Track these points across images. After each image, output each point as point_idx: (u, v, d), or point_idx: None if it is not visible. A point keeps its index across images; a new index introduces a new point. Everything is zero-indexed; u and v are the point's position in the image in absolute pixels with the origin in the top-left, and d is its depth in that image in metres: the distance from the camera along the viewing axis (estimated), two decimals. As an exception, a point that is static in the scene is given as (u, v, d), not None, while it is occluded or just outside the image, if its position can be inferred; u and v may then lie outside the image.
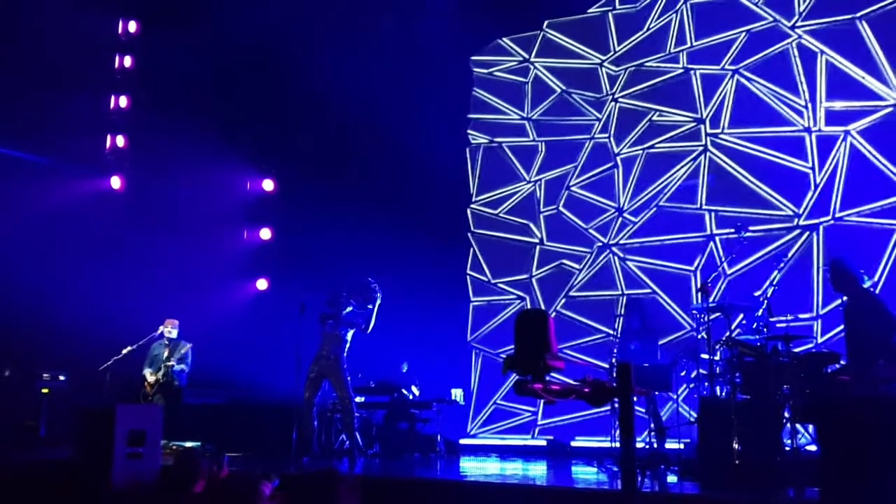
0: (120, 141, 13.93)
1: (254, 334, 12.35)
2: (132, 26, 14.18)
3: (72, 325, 11.20)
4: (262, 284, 13.81)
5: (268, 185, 14.09)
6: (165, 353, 10.57)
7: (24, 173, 12.40)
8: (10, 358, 11.32)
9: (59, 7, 12.55)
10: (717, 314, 8.31)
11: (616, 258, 11.73)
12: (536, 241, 12.33)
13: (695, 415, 8.14)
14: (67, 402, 10.84)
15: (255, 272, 13.87)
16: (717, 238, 10.94)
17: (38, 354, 11.37)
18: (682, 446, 8.16)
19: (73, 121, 12.91)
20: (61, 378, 11.20)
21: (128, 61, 14.12)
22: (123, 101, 14.02)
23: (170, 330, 10.68)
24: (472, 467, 9.26)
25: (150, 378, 10.48)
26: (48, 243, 12.07)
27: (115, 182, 13.58)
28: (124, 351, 10.39)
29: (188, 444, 9.54)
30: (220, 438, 9.93)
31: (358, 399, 10.44)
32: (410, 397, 11.23)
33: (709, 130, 11.28)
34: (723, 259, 10.50)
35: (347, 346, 9.30)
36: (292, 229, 13.53)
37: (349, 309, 9.41)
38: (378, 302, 9.40)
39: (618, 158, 11.98)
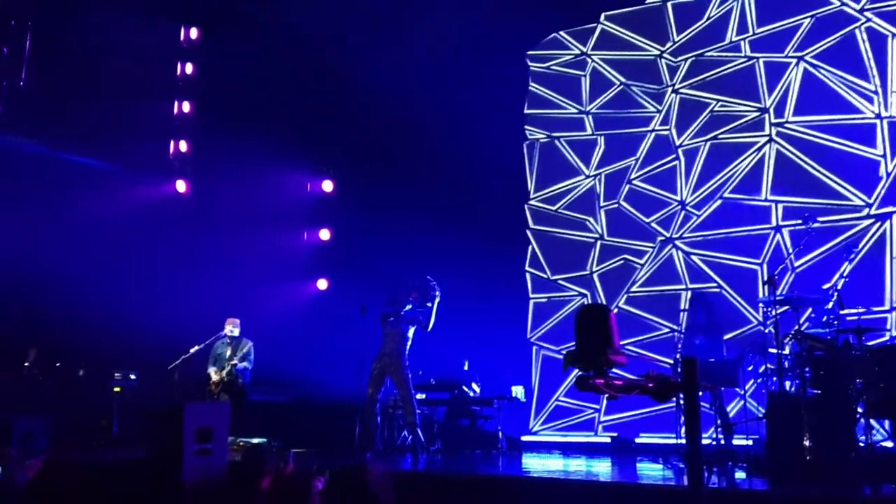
0: (183, 146, 14.23)
1: (315, 333, 12.51)
2: (193, 33, 14.48)
3: (141, 326, 11.48)
4: (322, 284, 13.98)
5: (327, 186, 14.26)
6: (228, 352, 10.78)
7: (94, 179, 12.75)
8: (83, 359, 11.66)
9: (122, 17, 12.91)
10: (785, 308, 8.14)
11: (679, 252, 11.57)
12: (597, 236, 12.24)
13: (763, 410, 7.98)
14: (138, 401, 11.11)
15: (315, 272, 14.03)
16: (783, 230, 10.72)
17: (110, 355, 11.69)
18: (750, 443, 8.02)
19: (139, 127, 13.23)
20: (132, 377, 11.50)
21: (189, 68, 14.42)
22: (186, 107, 14.32)
23: (231, 329, 10.89)
24: (535, 464, 9.25)
25: (215, 377, 10.69)
26: (118, 247, 12.40)
27: (181, 186, 13.88)
28: (192, 350, 10.63)
29: (255, 441, 9.71)
30: (284, 435, 10.17)
31: (419, 396, 10.50)
32: (471, 394, 11.25)
33: (773, 120, 11.05)
34: (790, 251, 10.28)
35: (409, 343, 9.38)
36: (351, 229, 13.67)
37: (409, 307, 9.48)
38: (437, 300, 9.45)
39: (679, 151, 11.82)
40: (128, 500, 5.80)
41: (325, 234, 14.19)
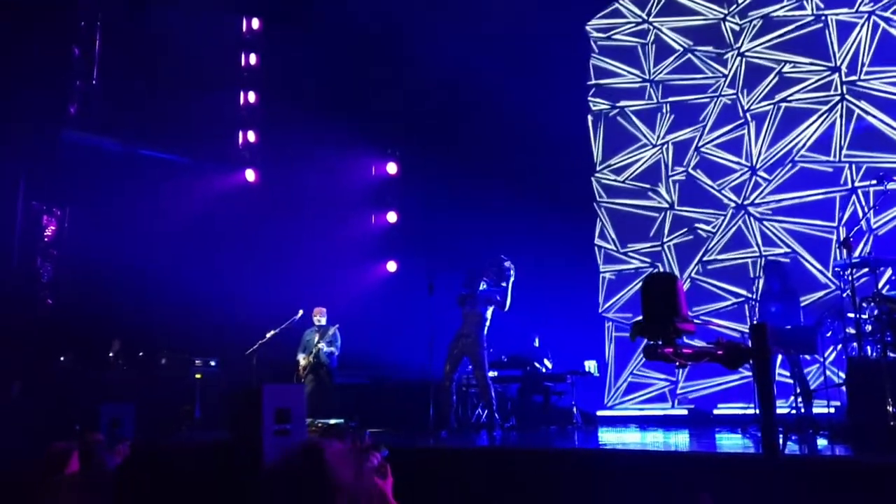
0: (251, 136, 14.47)
1: (387, 315, 12.67)
2: (255, 23, 14.69)
3: (219, 314, 11.81)
4: (391, 266, 14.11)
5: (391, 168, 14.35)
6: (316, 338, 11.05)
7: (166, 173, 13.08)
8: (165, 347, 12.01)
9: (186, 11, 13.17)
10: (864, 270, 7.92)
11: (752, 219, 11.36)
12: (666, 206, 12.10)
13: (843, 376, 7.81)
14: (219, 386, 11.43)
15: (384, 255, 14.16)
16: (859, 191, 10.41)
17: (191, 343, 12.02)
18: (831, 410, 7.85)
19: (207, 119, 13.50)
20: (212, 364, 11.81)
21: (253, 58, 14.65)
22: (252, 97, 14.55)
23: (319, 318, 11.16)
24: (611, 437, 9.23)
25: (303, 362, 10.98)
26: (193, 238, 12.70)
27: (250, 175, 14.14)
28: (268, 335, 10.88)
29: (332, 422, 9.93)
30: (362, 415, 10.37)
31: (491, 374, 10.59)
32: (543, 370, 11.25)
33: (844, 78, 10.71)
34: (866, 212, 9.98)
35: (487, 324, 9.39)
36: (417, 210, 13.76)
37: (483, 286, 9.49)
38: (512, 278, 9.46)
39: (747, 115, 11.57)
40: (212, 481, 6.01)
41: (392, 217, 14.30)
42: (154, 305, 11.87)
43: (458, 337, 9.36)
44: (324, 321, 11.15)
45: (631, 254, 12.30)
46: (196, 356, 11.79)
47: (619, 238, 12.41)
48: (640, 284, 11.42)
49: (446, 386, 9.24)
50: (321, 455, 3.33)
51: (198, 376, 11.53)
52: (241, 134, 14.48)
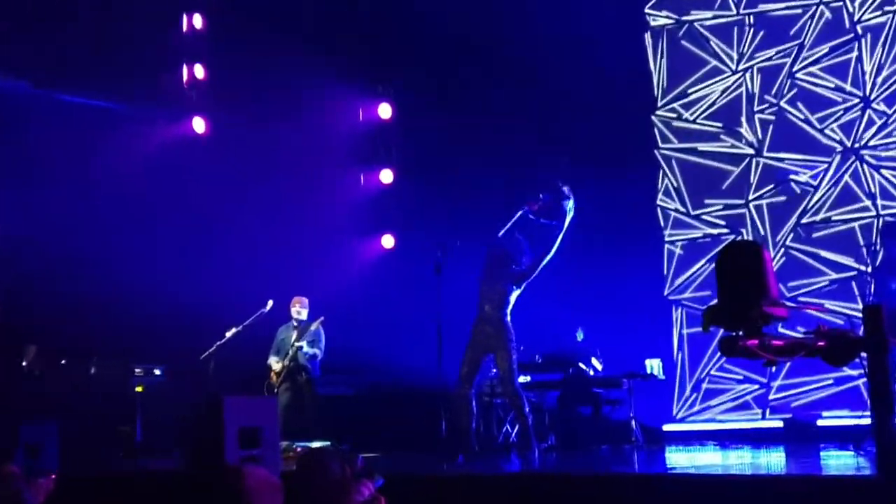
0: (199, 71, 14.27)
1: (383, 304, 12.73)
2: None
3: (166, 307, 11.83)
4: (387, 241, 14.13)
5: (384, 111, 14.25)
6: (293, 336, 11.10)
7: (92, 121, 12.99)
8: (96, 352, 12.04)
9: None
10: None
11: (865, 166, 11.35)
12: (751, 152, 12.12)
13: None
14: (166, 401, 11.43)
15: (377, 226, 14.16)
16: None
17: (129, 345, 12.03)
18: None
19: (140, 54, 13.31)
20: (157, 372, 11.86)
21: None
22: (198, 21, 14.36)
23: (299, 310, 11.24)
24: (682, 459, 9.28)
25: (276, 367, 11.06)
26: (128, 210, 12.70)
27: (199, 125, 14.07)
28: (228, 334, 10.97)
29: (315, 445, 10.00)
30: (354, 435, 10.47)
31: (522, 378, 10.65)
32: (591, 373, 11.31)
33: None
34: None
35: (510, 306, 9.38)
36: (419, 167, 13.74)
37: (518, 213, 9.41)
38: (570, 216, 9.38)
39: (858, 27, 11.53)
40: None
41: (386, 176, 14.29)
42: (80, 298, 11.92)
43: (476, 326, 9.33)
44: (304, 315, 11.23)
45: (705, 217, 12.33)
46: (136, 362, 11.85)
47: (690, 196, 12.44)
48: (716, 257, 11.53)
49: (463, 394, 9.23)
50: (238, 483, 3.37)
51: (138, 388, 11.61)
52: (184, 69, 14.33)
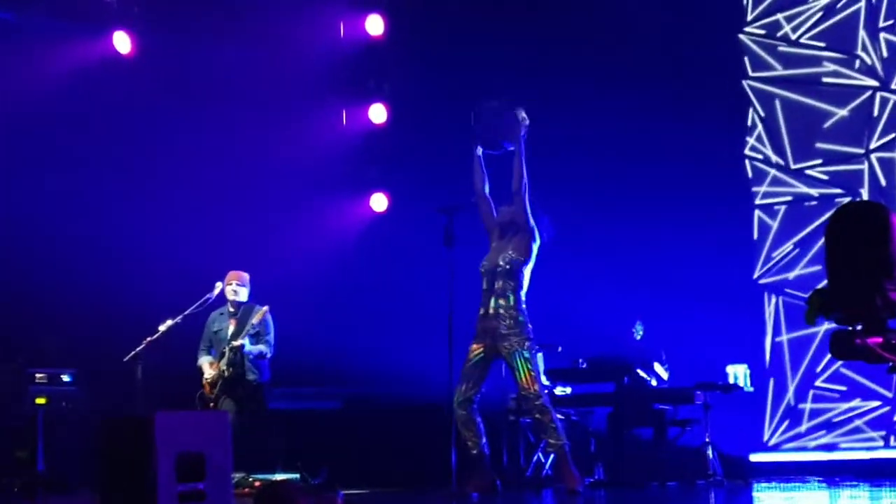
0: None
1: (372, 288, 12.75)
2: None
3: (77, 291, 11.77)
4: (377, 203, 14.11)
5: (374, 25, 14.21)
6: (231, 328, 10.99)
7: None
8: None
9: None
10: None
11: None
12: (873, 84, 12.12)
13: None
14: (77, 416, 11.44)
15: (364, 182, 14.12)
16: None
17: (28, 342, 12.02)
18: None
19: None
20: (65, 378, 11.81)
21: None
22: None
23: (235, 289, 11.05)
24: (776, 500, 9.22)
25: (209, 371, 10.94)
26: (24, 150, 12.63)
27: (122, 42, 14.00)
28: (161, 327, 10.86)
29: (278, 478, 9.97)
30: (333, 464, 10.39)
31: (559, 391, 10.57)
32: (653, 383, 11.26)
33: None
34: None
35: (523, 292, 9.31)
36: (421, 102, 13.68)
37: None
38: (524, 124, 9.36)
39: None
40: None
41: (377, 114, 14.24)
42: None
43: (480, 323, 9.27)
44: (243, 295, 11.01)
45: (809, 172, 12.35)
46: (37, 366, 11.82)
47: (790, 144, 12.46)
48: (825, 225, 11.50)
49: (462, 415, 9.20)
50: None
51: (40, 401, 11.58)
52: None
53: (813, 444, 11.88)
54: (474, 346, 9.22)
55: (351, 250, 13.42)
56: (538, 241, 9.08)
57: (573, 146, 11.77)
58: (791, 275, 12.26)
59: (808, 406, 12.03)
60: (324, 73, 13.92)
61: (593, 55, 12.41)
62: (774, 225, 12.43)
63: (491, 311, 9.16)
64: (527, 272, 9.13)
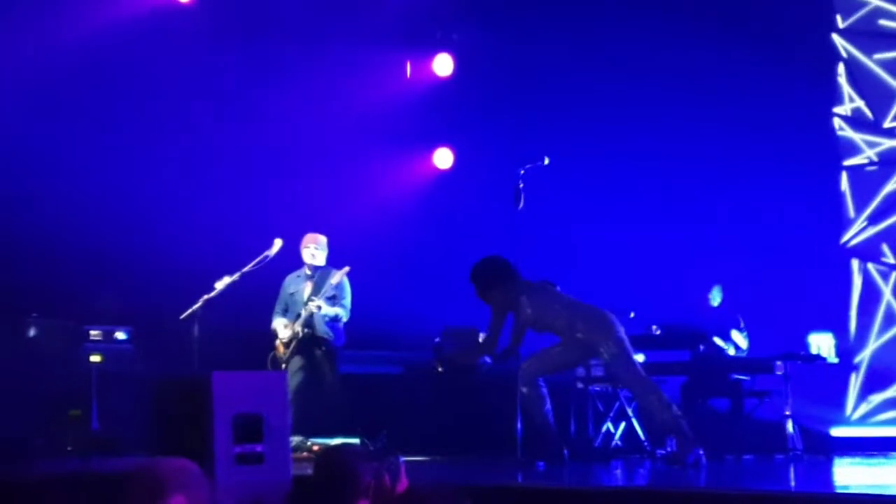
0: None
1: (437, 249, 12.77)
2: None
3: (130, 245, 11.90)
4: (442, 158, 14.11)
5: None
6: (307, 290, 11.09)
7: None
8: (36, 307, 12.10)
9: None
10: None
11: None
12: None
13: None
14: (132, 376, 11.47)
15: (428, 136, 14.10)
16: None
17: (82, 300, 12.10)
18: None
19: None
20: (119, 336, 11.90)
21: None
22: None
23: (313, 253, 11.15)
24: (858, 475, 9.17)
25: (284, 333, 11.04)
26: (77, 104, 12.60)
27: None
28: (219, 285, 10.89)
29: (337, 441, 10.01)
30: (393, 430, 10.43)
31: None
32: (731, 352, 11.23)
33: None
34: None
35: None
36: (491, 53, 13.61)
37: None
38: None
39: None
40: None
41: (443, 65, 14.22)
42: (13, 232, 11.98)
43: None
44: (321, 259, 11.14)
45: (903, 129, 12.17)
46: (91, 323, 11.93)
47: (878, 101, 12.32)
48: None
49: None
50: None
51: (95, 359, 11.69)
52: None
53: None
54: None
55: (415, 208, 13.44)
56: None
57: (652, 109, 11.68)
58: (881, 241, 12.18)
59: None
60: (386, 21, 13.82)
61: (668, 25, 12.24)
62: (864, 187, 12.30)
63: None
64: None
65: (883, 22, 12.29)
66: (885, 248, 12.08)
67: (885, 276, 12.01)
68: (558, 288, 9.59)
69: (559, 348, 9.37)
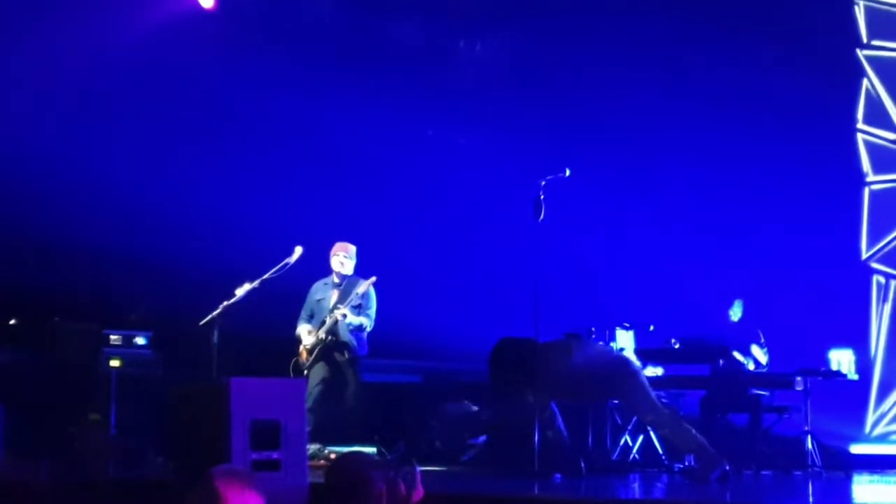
0: None
1: (455, 258, 12.72)
2: None
3: (152, 250, 11.92)
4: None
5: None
6: (334, 298, 11.13)
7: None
8: (57, 311, 12.12)
9: None
10: None
11: None
12: None
13: None
14: (152, 381, 11.51)
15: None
16: None
17: (103, 305, 12.15)
18: None
19: None
20: (140, 342, 11.94)
21: None
22: None
23: (342, 261, 11.21)
24: (877, 494, 9.17)
25: (308, 339, 11.08)
26: (103, 108, 12.67)
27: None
28: (239, 291, 10.92)
29: (354, 450, 10.03)
30: (411, 441, 10.55)
31: (650, 371, 10.56)
32: (750, 366, 11.17)
33: None
34: None
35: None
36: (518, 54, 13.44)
37: None
38: None
39: None
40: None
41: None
42: (37, 235, 12.03)
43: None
44: (349, 268, 11.19)
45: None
46: (111, 328, 11.97)
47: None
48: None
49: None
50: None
51: (114, 363, 11.73)
52: None
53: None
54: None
55: (434, 215, 13.27)
56: None
57: (674, 123, 11.68)
58: (883, 255, 12.15)
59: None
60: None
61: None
62: (886, 203, 12.23)
63: None
64: None
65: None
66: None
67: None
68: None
69: None
